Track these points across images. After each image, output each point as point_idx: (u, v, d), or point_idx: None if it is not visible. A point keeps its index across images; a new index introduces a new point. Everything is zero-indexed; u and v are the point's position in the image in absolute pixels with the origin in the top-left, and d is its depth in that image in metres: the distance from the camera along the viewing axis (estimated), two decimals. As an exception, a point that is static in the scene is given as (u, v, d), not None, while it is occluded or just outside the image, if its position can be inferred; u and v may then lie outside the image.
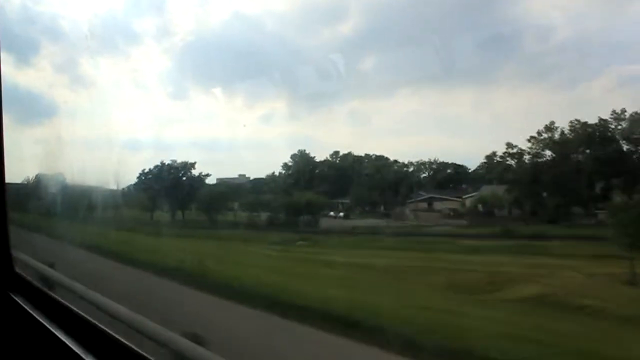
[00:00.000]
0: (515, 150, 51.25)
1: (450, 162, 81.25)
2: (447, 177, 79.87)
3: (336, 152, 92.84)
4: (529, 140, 46.49)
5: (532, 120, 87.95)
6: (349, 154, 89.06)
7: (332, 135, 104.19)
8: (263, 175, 74.20)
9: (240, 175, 73.98)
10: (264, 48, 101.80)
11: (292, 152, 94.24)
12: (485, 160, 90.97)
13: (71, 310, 3.14)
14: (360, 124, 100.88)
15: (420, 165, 78.24)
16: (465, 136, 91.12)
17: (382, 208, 68.84)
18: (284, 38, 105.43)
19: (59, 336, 2.77)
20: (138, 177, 66.84)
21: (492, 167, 77.33)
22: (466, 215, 55.93)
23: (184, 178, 65.86)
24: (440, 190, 75.94)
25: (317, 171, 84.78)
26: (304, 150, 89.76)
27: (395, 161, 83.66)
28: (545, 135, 43.92)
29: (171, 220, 65.32)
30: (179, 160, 66.37)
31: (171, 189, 64.45)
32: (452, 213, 62.03)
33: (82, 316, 2.94)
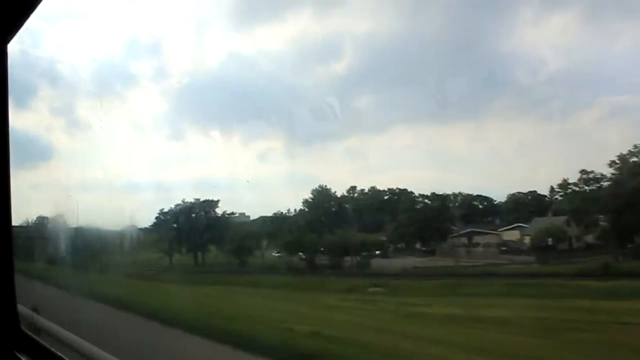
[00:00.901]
0: (590, 176, 46.78)
1: (474, 194, 77.18)
2: (474, 210, 75.23)
3: (353, 188, 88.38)
4: (610, 166, 41.96)
5: (524, 152, 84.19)
6: (373, 188, 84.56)
7: (329, 172, 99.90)
8: (267, 213, 69.55)
9: (240, 213, 69.11)
10: (259, 88, 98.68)
11: (289, 190, 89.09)
12: (512, 193, 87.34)
13: None
14: (356, 160, 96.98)
15: (447, 198, 73.72)
16: (461, 169, 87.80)
17: (419, 244, 63.66)
18: (279, 77, 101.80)
19: None
20: (157, 217, 61.59)
21: (568, 196, 73.11)
22: (525, 251, 50.88)
23: (207, 217, 60.55)
24: (473, 224, 71.18)
25: (334, 208, 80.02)
26: (325, 186, 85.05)
27: (421, 195, 79.13)
28: (635, 159, 39.42)
29: (195, 264, 59.60)
30: (201, 199, 61.45)
31: (194, 229, 59.10)
32: (506, 248, 56.98)
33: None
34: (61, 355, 3.86)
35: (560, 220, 53.11)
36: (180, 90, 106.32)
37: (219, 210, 60.94)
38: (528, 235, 56.03)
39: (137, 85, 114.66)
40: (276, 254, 60.92)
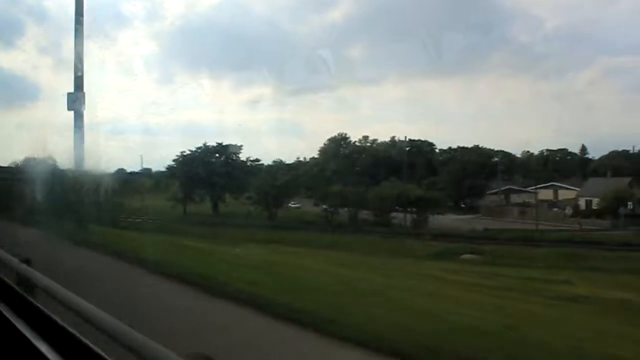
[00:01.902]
0: None
1: (497, 149, 71.96)
2: (495, 167, 70.46)
3: (365, 137, 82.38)
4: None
5: (516, 110, 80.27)
6: (393, 138, 78.57)
7: (319, 122, 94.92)
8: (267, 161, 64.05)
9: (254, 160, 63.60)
10: (252, 33, 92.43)
11: (279, 138, 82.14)
12: (526, 150, 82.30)
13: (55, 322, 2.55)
14: (347, 111, 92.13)
15: (484, 152, 68.41)
16: (452, 124, 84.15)
17: (460, 202, 58.67)
18: (273, 23, 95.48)
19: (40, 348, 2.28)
20: (174, 160, 55.08)
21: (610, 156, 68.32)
22: (590, 214, 46.19)
23: (229, 162, 54.29)
24: (496, 181, 66.49)
25: (357, 157, 74.06)
26: (345, 134, 78.88)
27: (448, 149, 73.83)
28: None
29: (214, 214, 53.66)
30: (224, 143, 54.52)
31: (214, 174, 52.78)
32: (557, 209, 52.25)
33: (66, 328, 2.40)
34: (62, 324, 2.48)
35: (621, 181, 48.51)
36: (172, 33, 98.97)
37: (242, 156, 54.91)
38: (582, 196, 51.43)
39: (129, 26, 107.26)
40: (294, 206, 55.41)
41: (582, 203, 50.48)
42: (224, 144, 54.10)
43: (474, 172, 59.91)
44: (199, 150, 53.87)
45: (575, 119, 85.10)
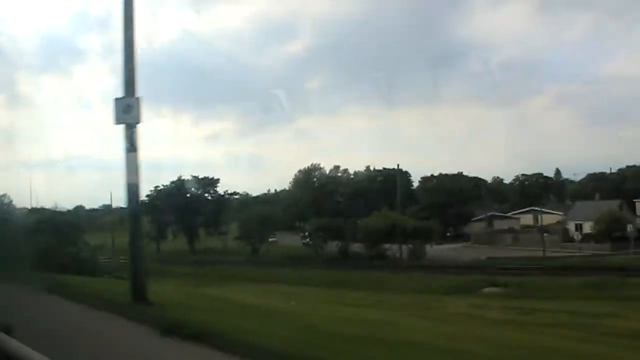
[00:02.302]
0: None
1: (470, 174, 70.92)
2: (478, 194, 69.41)
3: (337, 167, 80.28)
4: None
5: (474, 136, 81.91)
6: (368, 168, 76.43)
7: (281, 153, 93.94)
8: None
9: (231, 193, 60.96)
10: (213, 67, 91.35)
11: (242, 170, 79.84)
12: (496, 176, 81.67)
13: None
14: (308, 141, 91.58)
15: (469, 179, 67.11)
16: (412, 152, 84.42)
17: (446, 231, 56.78)
18: (233, 57, 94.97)
19: None
20: (147, 196, 51.38)
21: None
22: (587, 239, 44.94)
23: (205, 197, 51.04)
24: (486, 209, 65.34)
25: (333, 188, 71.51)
26: (318, 164, 76.50)
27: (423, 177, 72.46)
28: None
29: (191, 252, 50.02)
30: (200, 176, 51.04)
31: (191, 210, 49.23)
32: (547, 234, 50.81)
33: None
34: None
35: (611, 204, 47.73)
36: None
37: (220, 190, 51.86)
38: (572, 220, 50.43)
39: (85, 60, 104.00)
40: (271, 240, 52.43)
41: (571, 227, 49.44)
42: (200, 177, 51.14)
43: (457, 200, 58.56)
44: (174, 184, 50.59)
45: (530, 143, 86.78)
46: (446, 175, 60.63)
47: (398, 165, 58.92)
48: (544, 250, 36.76)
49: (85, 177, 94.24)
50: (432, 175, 63.38)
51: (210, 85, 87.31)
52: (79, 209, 56.40)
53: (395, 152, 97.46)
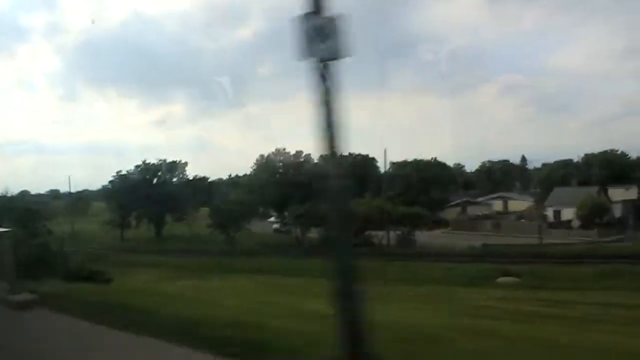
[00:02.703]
0: None
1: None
2: (451, 180, 68.58)
3: (299, 152, 77.67)
4: None
5: (424, 126, 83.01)
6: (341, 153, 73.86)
7: (228, 139, 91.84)
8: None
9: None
10: (163, 49, 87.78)
11: (190, 155, 77.68)
12: (457, 162, 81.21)
13: None
14: (257, 127, 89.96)
15: (443, 165, 65.90)
16: (364, 139, 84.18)
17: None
18: (183, 40, 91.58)
19: None
20: (111, 181, 47.61)
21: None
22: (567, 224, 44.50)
23: (173, 181, 47.72)
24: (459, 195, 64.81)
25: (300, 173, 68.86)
26: (284, 149, 73.64)
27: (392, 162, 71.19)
28: None
29: (158, 239, 46.76)
30: (167, 160, 47.47)
31: (157, 196, 45.82)
32: (524, 220, 50.20)
33: None
34: None
35: (589, 190, 47.53)
36: (76, 47, 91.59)
37: (189, 174, 48.68)
38: (550, 206, 49.99)
39: (28, 40, 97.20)
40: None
41: (549, 214, 49.04)
42: (167, 160, 47.82)
43: (432, 186, 57.33)
44: (139, 169, 47.10)
45: (478, 131, 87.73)
46: (421, 160, 59.18)
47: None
48: (540, 238, 35.76)
49: (26, 162, 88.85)
50: (405, 161, 61.92)
51: (158, 70, 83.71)
52: (24, 194, 52.30)
53: (350, 139, 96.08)
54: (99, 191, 63.57)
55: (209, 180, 53.45)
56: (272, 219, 52.62)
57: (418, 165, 57.56)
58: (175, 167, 48.07)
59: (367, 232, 39.35)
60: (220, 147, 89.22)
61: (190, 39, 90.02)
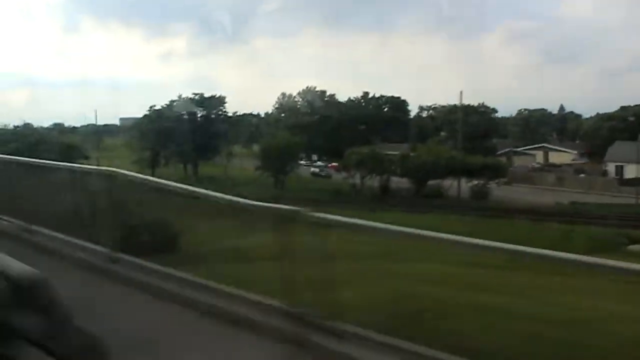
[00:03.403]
0: None
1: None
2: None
3: (323, 92, 73.17)
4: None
5: (428, 69, 79.21)
6: (366, 94, 69.86)
7: (233, 75, 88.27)
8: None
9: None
10: None
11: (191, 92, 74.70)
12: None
13: None
14: (262, 65, 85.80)
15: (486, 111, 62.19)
16: (368, 81, 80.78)
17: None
18: None
19: None
20: (145, 116, 43.63)
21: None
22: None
23: (211, 117, 43.67)
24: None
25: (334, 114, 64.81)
26: (313, 87, 69.09)
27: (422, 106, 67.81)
28: None
29: (196, 180, 43.33)
30: (205, 94, 43.11)
31: (195, 132, 41.76)
32: (584, 175, 47.13)
33: None
34: None
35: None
36: None
37: (229, 109, 44.76)
38: (611, 161, 46.83)
39: None
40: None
41: (610, 169, 46.05)
42: (205, 95, 43.76)
43: (481, 133, 53.82)
44: (175, 104, 43.16)
45: (485, 77, 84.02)
46: (469, 105, 55.41)
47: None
48: (638, 197, 32.80)
49: (26, 94, 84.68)
50: (447, 105, 58.33)
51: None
52: (27, 127, 48.79)
53: (348, 79, 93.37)
54: (115, 127, 60.15)
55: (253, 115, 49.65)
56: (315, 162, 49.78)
57: (467, 110, 53.66)
58: (215, 101, 44.17)
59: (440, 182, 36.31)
60: (228, 85, 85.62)
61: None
